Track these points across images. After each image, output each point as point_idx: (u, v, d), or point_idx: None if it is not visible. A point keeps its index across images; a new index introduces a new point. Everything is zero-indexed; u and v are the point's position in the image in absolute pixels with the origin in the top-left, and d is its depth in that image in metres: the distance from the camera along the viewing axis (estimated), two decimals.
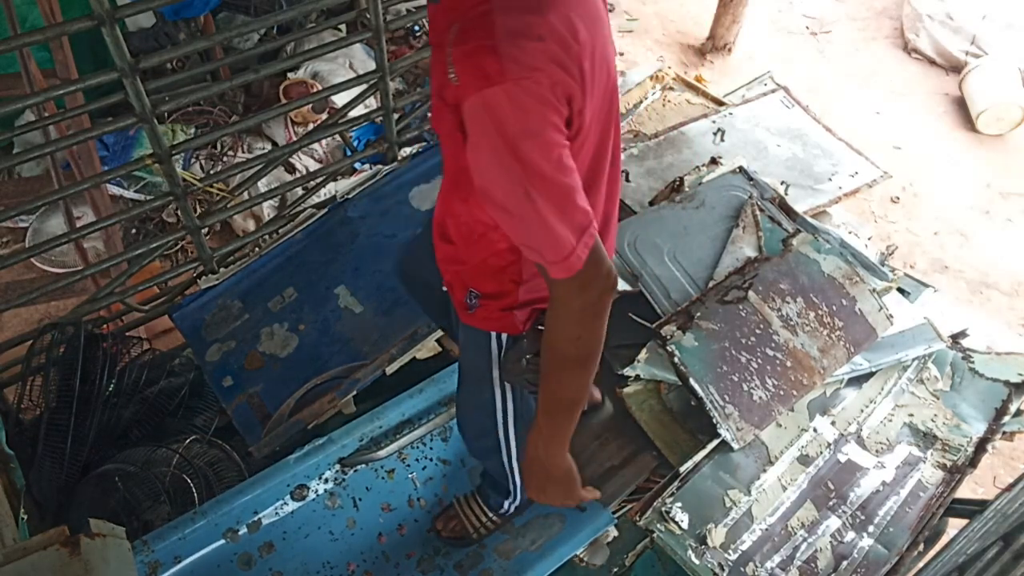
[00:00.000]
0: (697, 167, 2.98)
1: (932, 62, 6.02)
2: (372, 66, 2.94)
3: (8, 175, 4.22)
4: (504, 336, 1.64)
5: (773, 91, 3.71)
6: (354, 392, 2.39)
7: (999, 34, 5.71)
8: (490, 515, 2.19)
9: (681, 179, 2.89)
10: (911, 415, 2.53)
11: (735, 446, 2.27)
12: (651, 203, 2.94)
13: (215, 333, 2.66)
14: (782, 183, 3.14)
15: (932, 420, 2.52)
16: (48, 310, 3.55)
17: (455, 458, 2.30)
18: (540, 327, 1.53)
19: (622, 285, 2.63)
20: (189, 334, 2.68)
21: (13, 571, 1.26)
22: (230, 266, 2.85)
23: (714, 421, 2.27)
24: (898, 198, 5.01)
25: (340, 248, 2.80)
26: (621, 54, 5.68)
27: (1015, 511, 2.06)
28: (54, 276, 3.54)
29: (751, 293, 2.48)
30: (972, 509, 2.23)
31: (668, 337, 2.34)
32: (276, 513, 2.11)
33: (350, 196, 2.92)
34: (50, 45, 2.86)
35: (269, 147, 4.55)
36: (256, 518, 2.09)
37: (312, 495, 2.15)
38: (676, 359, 2.31)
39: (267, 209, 4.24)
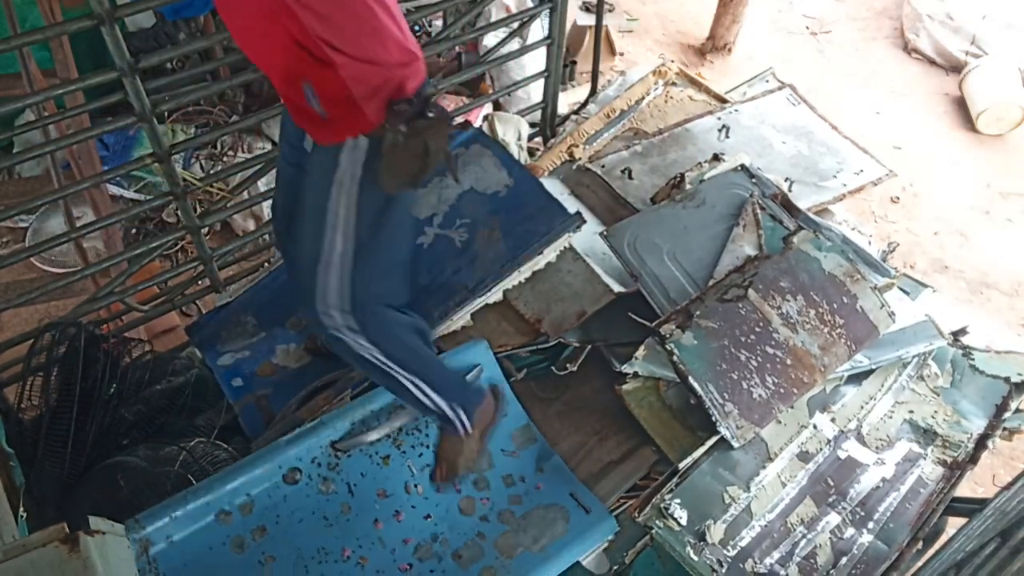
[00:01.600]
0: (699, 163, 2.97)
1: (932, 62, 6.03)
2: None
3: (8, 175, 4.23)
4: (363, 143, 1.71)
5: (779, 88, 3.71)
6: (349, 390, 2.40)
7: (999, 34, 5.71)
8: (464, 441, 2.22)
9: (682, 175, 2.89)
10: (911, 411, 2.53)
11: (735, 444, 2.27)
12: (652, 199, 2.94)
13: (231, 346, 2.71)
14: (786, 180, 3.14)
15: (932, 416, 2.52)
16: (48, 310, 3.55)
17: None
18: (395, 108, 1.66)
19: (617, 287, 2.64)
20: (206, 349, 2.72)
21: (12, 568, 1.27)
22: (240, 282, 2.88)
23: (713, 419, 2.27)
24: (898, 198, 5.01)
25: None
26: (621, 54, 5.69)
27: (1013, 508, 2.07)
28: (54, 276, 3.54)
29: (751, 291, 2.48)
30: (972, 508, 2.23)
31: (667, 336, 2.34)
32: (269, 496, 2.10)
33: None
34: (50, 45, 2.86)
35: (269, 147, 4.55)
36: (249, 500, 2.07)
37: (305, 479, 2.14)
38: (675, 358, 2.31)
39: (267, 209, 4.24)
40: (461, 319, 2.57)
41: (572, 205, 3.00)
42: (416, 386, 2.02)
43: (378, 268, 1.88)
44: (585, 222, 2.72)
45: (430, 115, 1.70)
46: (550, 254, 2.68)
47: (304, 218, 1.86)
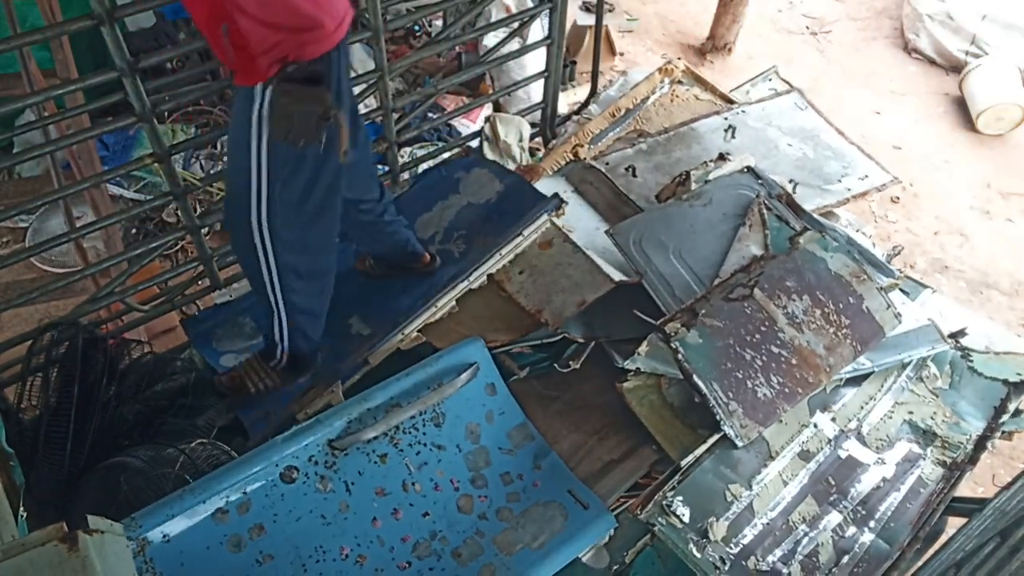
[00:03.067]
0: (704, 162, 2.98)
1: (932, 62, 6.02)
2: (372, 66, 2.95)
3: (8, 175, 4.23)
4: (267, 94, 1.93)
5: (788, 92, 3.71)
6: (340, 383, 2.42)
7: (999, 34, 5.71)
8: (267, 368, 2.50)
9: (687, 174, 2.89)
10: (911, 412, 2.53)
11: (739, 444, 2.26)
12: (657, 197, 2.94)
13: (228, 346, 2.73)
14: (790, 181, 3.14)
15: (932, 417, 2.52)
16: (48, 310, 3.55)
17: (450, 443, 2.29)
18: (285, 69, 1.89)
19: (617, 276, 2.65)
20: (200, 344, 2.75)
21: (11, 567, 1.26)
22: (241, 282, 2.91)
23: (718, 419, 2.26)
24: (898, 198, 5.01)
25: (351, 280, 2.87)
26: (621, 54, 5.69)
27: (1013, 508, 2.07)
28: (54, 276, 3.54)
29: (756, 291, 2.47)
30: (971, 508, 2.23)
31: (673, 334, 2.34)
32: (266, 495, 2.09)
33: None
34: (50, 45, 2.86)
35: None
36: (246, 499, 2.06)
37: (302, 478, 2.13)
38: (680, 356, 2.31)
39: None
40: (446, 306, 2.61)
41: (575, 202, 3.03)
42: (277, 314, 2.35)
43: (299, 216, 2.17)
44: (564, 203, 2.77)
45: (306, 85, 1.92)
46: (531, 235, 2.73)
47: (232, 145, 2.12)
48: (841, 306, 2.53)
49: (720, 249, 2.68)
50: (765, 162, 3.18)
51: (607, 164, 3.14)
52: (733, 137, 3.34)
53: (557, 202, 2.74)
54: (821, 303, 2.52)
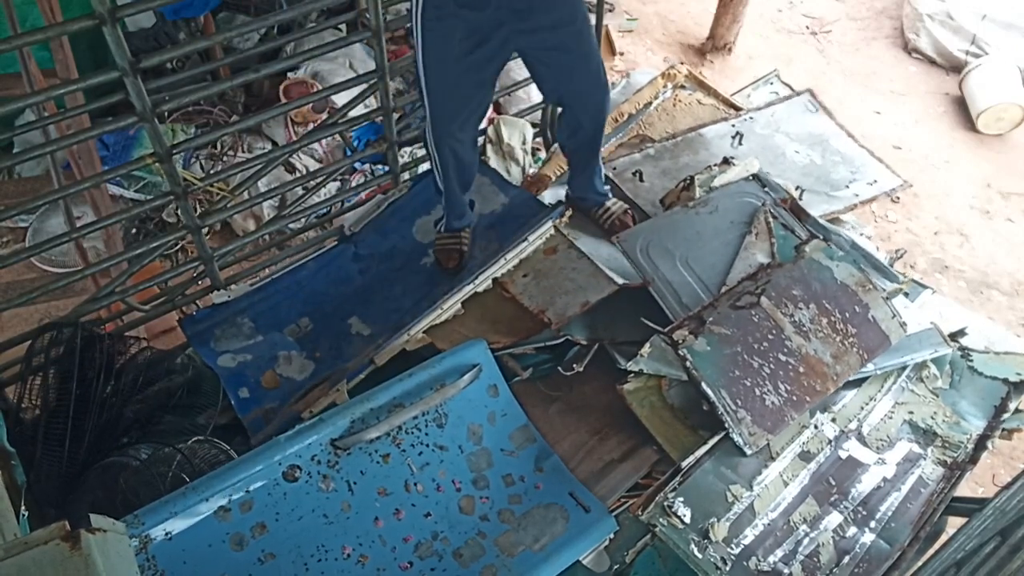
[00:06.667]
0: (709, 167, 2.97)
1: (932, 62, 6.02)
2: (372, 66, 2.95)
3: (8, 175, 4.23)
4: None
5: (798, 93, 3.69)
6: (346, 382, 2.42)
7: (999, 34, 5.71)
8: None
9: (691, 178, 2.89)
10: (911, 412, 2.53)
11: (747, 451, 2.26)
12: (662, 201, 2.94)
13: (226, 346, 2.73)
14: (797, 188, 3.13)
15: (932, 417, 2.52)
16: (48, 310, 3.55)
17: (452, 444, 2.30)
18: None
19: (620, 280, 2.65)
20: (198, 344, 2.75)
21: (13, 565, 1.26)
22: (239, 283, 2.92)
23: (726, 426, 2.26)
24: (898, 198, 5.00)
25: (351, 282, 2.90)
26: (621, 54, 5.69)
27: (1013, 507, 2.06)
28: (54, 276, 3.54)
29: (763, 299, 2.47)
30: (972, 507, 2.23)
31: (680, 341, 2.34)
32: (268, 493, 2.09)
33: (357, 231, 3.02)
34: (50, 45, 2.86)
35: (269, 147, 4.55)
36: (248, 497, 2.07)
37: (305, 477, 2.14)
38: (688, 364, 2.31)
39: (267, 209, 4.24)
40: (451, 308, 2.62)
41: None
42: None
43: None
44: (568, 210, 2.77)
45: None
46: (536, 241, 2.75)
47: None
48: (847, 315, 2.53)
49: (727, 257, 2.68)
50: (771, 169, 3.17)
51: (614, 169, 3.13)
52: (740, 144, 3.33)
53: (563, 208, 2.76)
54: (827, 312, 2.52)
